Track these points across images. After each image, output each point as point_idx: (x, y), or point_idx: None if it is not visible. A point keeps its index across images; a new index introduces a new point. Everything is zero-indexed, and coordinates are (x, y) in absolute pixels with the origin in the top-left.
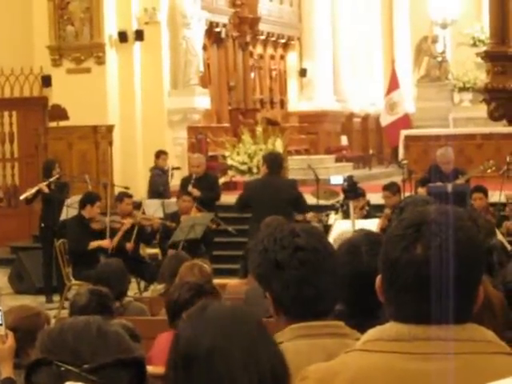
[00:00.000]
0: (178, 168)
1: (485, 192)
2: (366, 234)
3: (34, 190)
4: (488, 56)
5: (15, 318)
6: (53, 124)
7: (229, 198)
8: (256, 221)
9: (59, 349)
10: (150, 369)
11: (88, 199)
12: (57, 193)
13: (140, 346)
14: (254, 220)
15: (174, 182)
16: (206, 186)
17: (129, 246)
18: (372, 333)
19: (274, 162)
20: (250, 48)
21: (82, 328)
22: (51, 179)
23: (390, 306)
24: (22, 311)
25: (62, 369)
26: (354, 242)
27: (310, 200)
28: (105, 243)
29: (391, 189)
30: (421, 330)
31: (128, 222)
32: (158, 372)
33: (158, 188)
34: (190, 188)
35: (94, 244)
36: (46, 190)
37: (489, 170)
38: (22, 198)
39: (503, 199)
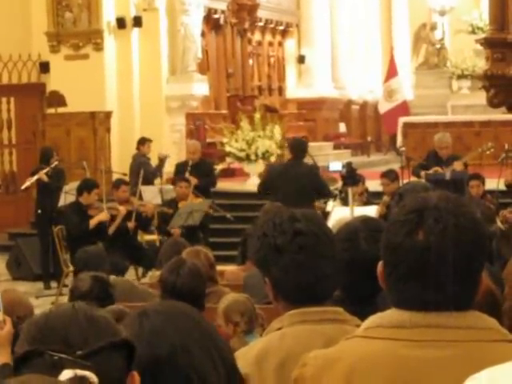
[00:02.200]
0: (167, 156)
1: (482, 180)
2: (364, 220)
3: (33, 180)
4: (487, 43)
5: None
6: (51, 110)
7: (227, 185)
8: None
9: (49, 338)
10: None
11: (86, 186)
12: (54, 180)
13: None
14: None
15: (165, 170)
16: (201, 172)
17: (130, 224)
18: (373, 319)
19: (298, 147)
20: (249, 35)
21: (70, 315)
22: (51, 166)
23: (391, 293)
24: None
25: (56, 358)
26: (352, 229)
27: None
28: (103, 216)
29: (389, 176)
30: (422, 317)
31: (124, 208)
32: None
33: (148, 175)
34: (187, 175)
35: (93, 221)
36: (46, 179)
37: (488, 152)
38: (23, 187)
39: (501, 187)
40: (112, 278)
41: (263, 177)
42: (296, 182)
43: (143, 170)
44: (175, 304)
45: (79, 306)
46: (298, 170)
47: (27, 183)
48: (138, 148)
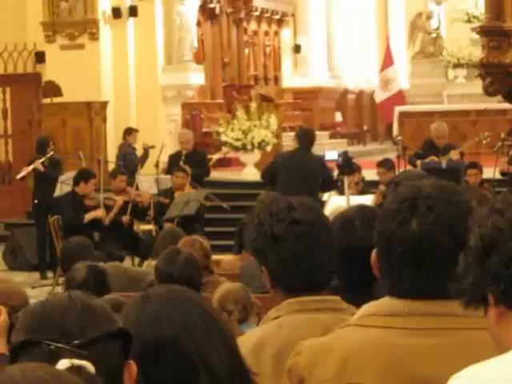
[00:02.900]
0: (152, 147)
1: (479, 168)
2: (360, 208)
3: (30, 169)
4: (483, 31)
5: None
6: (46, 100)
7: (223, 175)
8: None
9: (46, 327)
10: None
11: (82, 176)
12: (50, 169)
13: None
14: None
15: (161, 160)
16: (195, 162)
17: (125, 219)
18: (367, 308)
19: (305, 137)
20: (244, 24)
21: (67, 304)
22: (47, 156)
23: (385, 281)
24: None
25: (53, 347)
26: (348, 216)
27: None
28: (99, 213)
29: (385, 165)
30: (416, 305)
31: (121, 198)
32: None
33: (133, 166)
34: (181, 164)
35: (88, 216)
36: (42, 169)
37: (484, 141)
38: (18, 177)
39: (497, 175)
40: (102, 264)
41: (269, 163)
42: (301, 171)
43: (127, 160)
44: (177, 288)
45: (76, 295)
46: (304, 159)
47: (23, 173)
48: (124, 138)
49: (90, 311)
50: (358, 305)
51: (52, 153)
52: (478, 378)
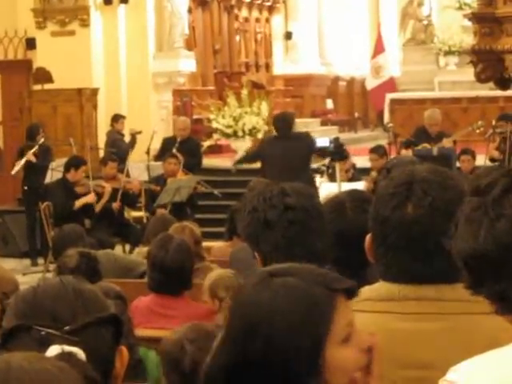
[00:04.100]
0: (139, 132)
1: (473, 154)
2: (350, 192)
3: (23, 162)
4: (475, 17)
5: None
6: (37, 87)
7: (214, 162)
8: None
9: (37, 313)
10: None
11: (73, 163)
12: (40, 157)
13: (126, 307)
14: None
15: (152, 146)
16: (188, 150)
17: (115, 205)
18: (361, 292)
19: (282, 122)
20: (235, 11)
21: (58, 289)
22: (38, 144)
23: (380, 265)
24: None
25: (43, 333)
26: (338, 200)
27: None
28: (89, 199)
29: (378, 151)
30: (410, 289)
31: (109, 186)
32: (142, 335)
33: (122, 152)
34: (174, 151)
35: (79, 202)
36: (34, 160)
37: (478, 131)
38: (13, 173)
39: (488, 163)
40: (93, 252)
41: (257, 145)
42: (288, 152)
43: (116, 147)
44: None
45: (67, 281)
46: (287, 142)
47: (16, 168)
48: (111, 125)
49: (82, 297)
50: None
51: (42, 139)
52: (475, 372)
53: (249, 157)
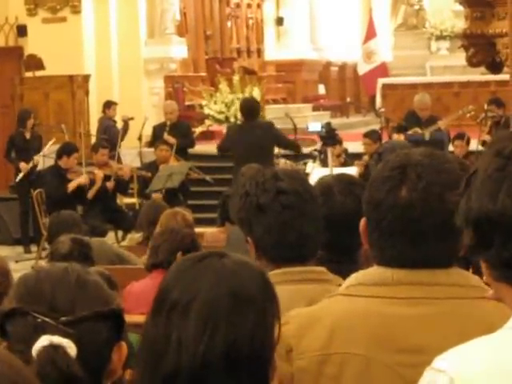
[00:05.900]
0: (131, 118)
1: (466, 139)
2: (338, 175)
3: (29, 167)
4: (467, 1)
5: None
6: (29, 74)
7: (206, 148)
8: (237, 167)
9: (35, 299)
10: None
11: (65, 150)
12: (32, 143)
13: (117, 293)
14: (235, 168)
15: (144, 133)
16: (179, 133)
17: (109, 184)
18: (354, 277)
19: (248, 108)
20: None
21: (61, 277)
22: (32, 128)
23: (374, 250)
24: None
25: (39, 320)
26: (326, 183)
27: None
28: (82, 180)
29: (372, 136)
30: (404, 274)
31: (101, 172)
32: (134, 321)
33: (114, 139)
34: (165, 136)
35: (71, 185)
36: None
37: (468, 115)
38: (17, 180)
39: (481, 147)
40: (86, 238)
41: (223, 137)
42: (251, 141)
43: (108, 134)
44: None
45: (72, 269)
46: (252, 129)
47: (20, 175)
48: (103, 111)
49: (84, 287)
50: (340, 274)
51: (32, 122)
52: (465, 360)
53: (221, 151)
